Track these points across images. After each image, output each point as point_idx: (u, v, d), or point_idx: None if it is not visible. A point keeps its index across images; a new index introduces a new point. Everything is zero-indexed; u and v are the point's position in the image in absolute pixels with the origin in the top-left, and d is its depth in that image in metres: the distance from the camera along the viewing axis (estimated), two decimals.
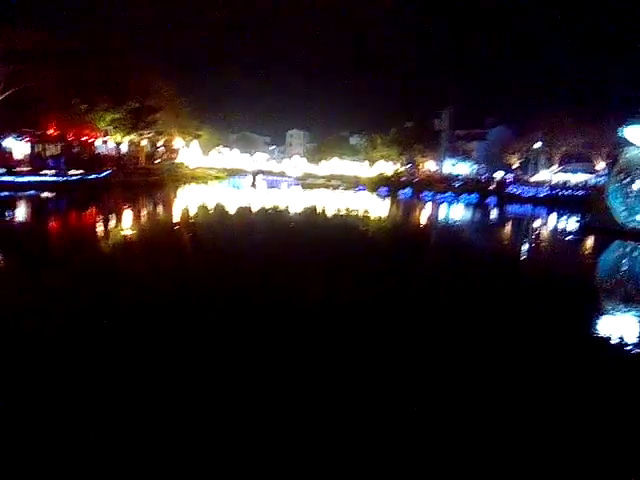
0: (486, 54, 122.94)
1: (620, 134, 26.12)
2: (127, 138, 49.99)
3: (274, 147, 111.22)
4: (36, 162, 39.52)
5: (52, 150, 44.06)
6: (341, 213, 30.03)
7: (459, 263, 16.36)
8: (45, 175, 35.16)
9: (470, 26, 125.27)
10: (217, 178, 56.94)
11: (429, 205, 42.54)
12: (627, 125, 25.62)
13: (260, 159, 69.05)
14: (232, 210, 28.88)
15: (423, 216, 35.04)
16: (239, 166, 62.90)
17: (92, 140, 48.42)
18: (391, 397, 6.13)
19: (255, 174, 60.76)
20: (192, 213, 26.75)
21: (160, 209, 29.78)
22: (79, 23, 40.74)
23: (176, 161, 58.45)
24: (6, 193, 29.37)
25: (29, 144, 42.07)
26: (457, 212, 37.90)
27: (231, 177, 59.95)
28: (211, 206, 30.37)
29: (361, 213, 31.32)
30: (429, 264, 15.91)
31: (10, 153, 40.16)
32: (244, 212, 28.15)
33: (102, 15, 43.34)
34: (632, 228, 24.10)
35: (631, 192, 24.31)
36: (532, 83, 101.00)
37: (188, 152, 60.80)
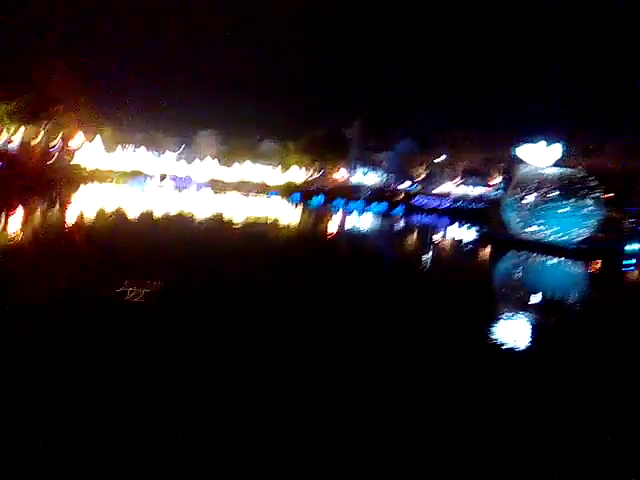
0: (397, 67, 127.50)
1: (513, 153, 27.70)
2: (21, 130, 45.55)
3: (184, 147, 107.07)
4: None
5: None
6: (248, 220, 29.20)
7: (358, 268, 16.31)
8: None
9: (383, 38, 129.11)
10: (117, 181, 53.26)
11: (338, 213, 42.87)
12: (519, 145, 27.31)
13: (168, 159, 66.35)
14: (123, 217, 26.78)
15: (329, 223, 35.04)
16: (142, 168, 59.48)
17: None
18: None
19: (161, 176, 58.20)
20: (79, 219, 24.47)
21: (44, 213, 26.98)
22: None
23: (73, 162, 53.66)
24: None
25: None
26: (364, 220, 38.43)
27: (133, 179, 56.34)
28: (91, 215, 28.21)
29: (268, 220, 30.73)
30: (324, 270, 15.57)
31: None
32: (140, 219, 25.92)
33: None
34: (524, 238, 25.55)
35: (525, 205, 25.75)
36: (438, 99, 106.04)
37: (89, 150, 56.65)
